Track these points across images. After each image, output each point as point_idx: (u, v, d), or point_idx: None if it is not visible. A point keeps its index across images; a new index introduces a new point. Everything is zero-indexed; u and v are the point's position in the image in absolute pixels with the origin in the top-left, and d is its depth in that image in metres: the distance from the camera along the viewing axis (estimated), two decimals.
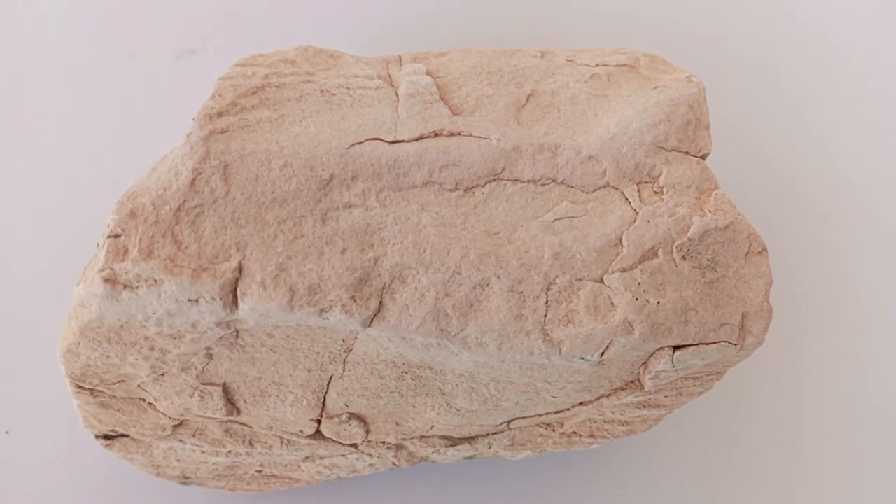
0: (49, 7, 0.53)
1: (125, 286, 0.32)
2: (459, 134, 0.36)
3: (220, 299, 0.32)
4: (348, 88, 0.38)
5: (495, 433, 0.41)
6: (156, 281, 0.32)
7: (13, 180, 0.50)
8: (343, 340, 0.35)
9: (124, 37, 0.52)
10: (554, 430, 0.42)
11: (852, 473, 0.49)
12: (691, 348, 0.35)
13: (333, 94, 0.37)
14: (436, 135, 0.36)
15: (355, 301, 0.33)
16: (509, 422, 0.40)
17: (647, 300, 0.34)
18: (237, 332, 0.34)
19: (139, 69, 0.51)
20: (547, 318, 0.34)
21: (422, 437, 0.41)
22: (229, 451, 0.41)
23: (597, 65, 0.40)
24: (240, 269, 0.32)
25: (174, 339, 0.34)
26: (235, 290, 0.32)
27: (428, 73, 0.39)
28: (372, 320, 0.33)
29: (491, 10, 0.55)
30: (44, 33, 0.52)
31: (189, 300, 0.32)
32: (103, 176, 0.46)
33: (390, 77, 0.39)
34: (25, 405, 0.47)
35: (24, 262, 0.48)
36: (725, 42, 0.55)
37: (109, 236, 0.32)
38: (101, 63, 0.51)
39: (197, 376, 0.36)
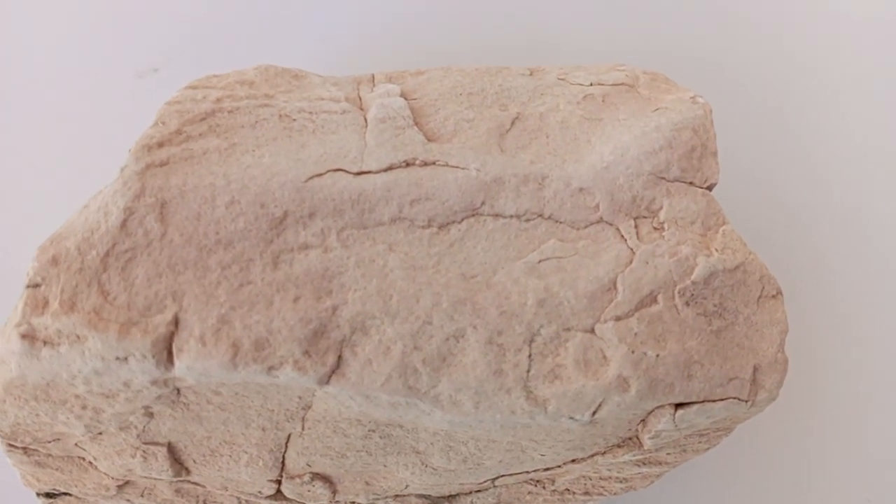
0: (3, 18, 0.50)
1: (45, 343, 0.29)
2: (434, 163, 0.34)
3: (153, 357, 0.29)
4: (311, 113, 0.35)
5: (479, 490, 0.39)
6: (78, 337, 0.29)
7: None
8: (300, 397, 0.32)
9: (81, 53, 0.49)
10: (545, 488, 0.39)
11: None
12: (696, 406, 0.32)
13: (294, 120, 0.34)
14: (407, 164, 0.34)
15: (309, 356, 0.30)
16: (494, 479, 0.38)
17: (645, 353, 0.31)
18: (178, 389, 0.31)
19: (96, 88, 0.48)
20: (530, 374, 0.31)
21: (396, 496, 0.39)
22: None
23: (591, 84, 0.38)
24: (175, 322, 0.29)
25: (107, 397, 0.31)
26: (171, 346, 0.29)
27: (402, 95, 0.37)
28: (329, 377, 0.30)
29: (483, 22, 0.51)
30: None
31: (117, 358, 0.29)
32: (50, 209, 0.43)
33: (360, 99, 0.36)
34: None
35: None
36: (735, 58, 0.51)
37: (28, 286, 0.29)
38: (57, 81, 0.48)
39: (138, 436, 0.33)
